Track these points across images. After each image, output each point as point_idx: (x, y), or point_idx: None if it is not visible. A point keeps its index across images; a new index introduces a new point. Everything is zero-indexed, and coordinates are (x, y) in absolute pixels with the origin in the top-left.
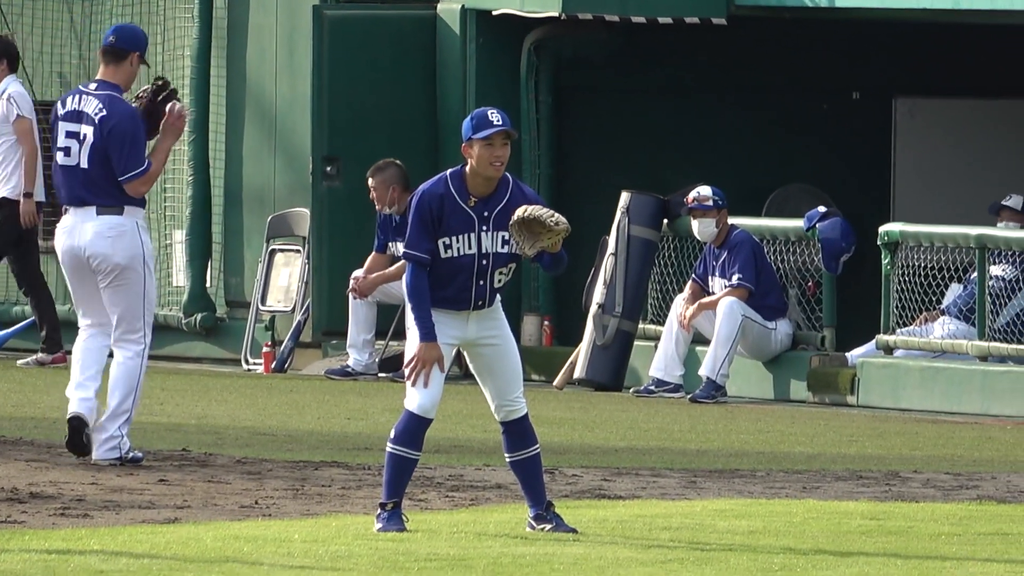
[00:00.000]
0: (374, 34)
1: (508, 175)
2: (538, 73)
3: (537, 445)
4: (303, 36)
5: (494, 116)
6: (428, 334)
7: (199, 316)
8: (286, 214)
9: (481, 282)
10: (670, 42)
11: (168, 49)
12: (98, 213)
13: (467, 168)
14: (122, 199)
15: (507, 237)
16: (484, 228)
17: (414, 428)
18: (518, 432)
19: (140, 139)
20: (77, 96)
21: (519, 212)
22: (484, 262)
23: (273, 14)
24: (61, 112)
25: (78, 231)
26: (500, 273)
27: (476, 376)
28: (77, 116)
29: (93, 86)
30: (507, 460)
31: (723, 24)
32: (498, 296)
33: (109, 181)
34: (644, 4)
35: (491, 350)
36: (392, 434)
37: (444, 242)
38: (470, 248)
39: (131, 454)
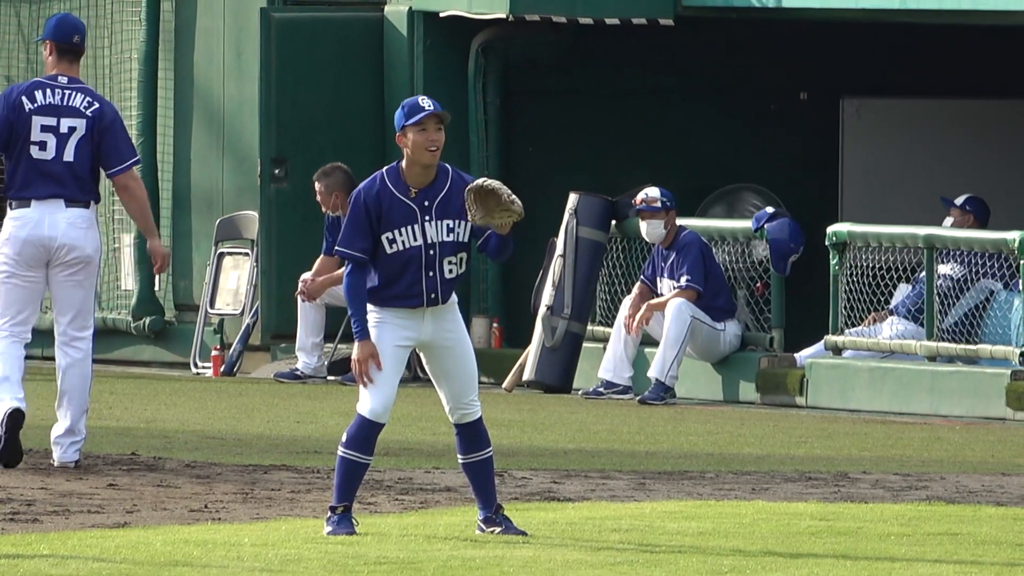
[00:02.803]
0: (322, 36)
1: (448, 165)
2: (486, 75)
3: (490, 448)
4: (250, 38)
5: (425, 102)
6: (362, 332)
7: (148, 320)
8: (234, 217)
9: (431, 273)
10: (618, 43)
11: (116, 52)
12: (67, 206)
13: (403, 161)
14: (93, 194)
15: (451, 226)
16: (427, 218)
17: (366, 432)
18: (471, 435)
19: (127, 134)
20: (50, 90)
21: (479, 181)
22: (431, 252)
23: (220, 17)
24: (33, 106)
25: (47, 222)
26: (449, 263)
27: (432, 378)
28: (55, 110)
29: (64, 80)
30: (459, 462)
31: (670, 25)
32: (454, 296)
33: (90, 175)
34: (591, 5)
35: (447, 352)
36: (344, 438)
37: (388, 236)
38: (415, 240)
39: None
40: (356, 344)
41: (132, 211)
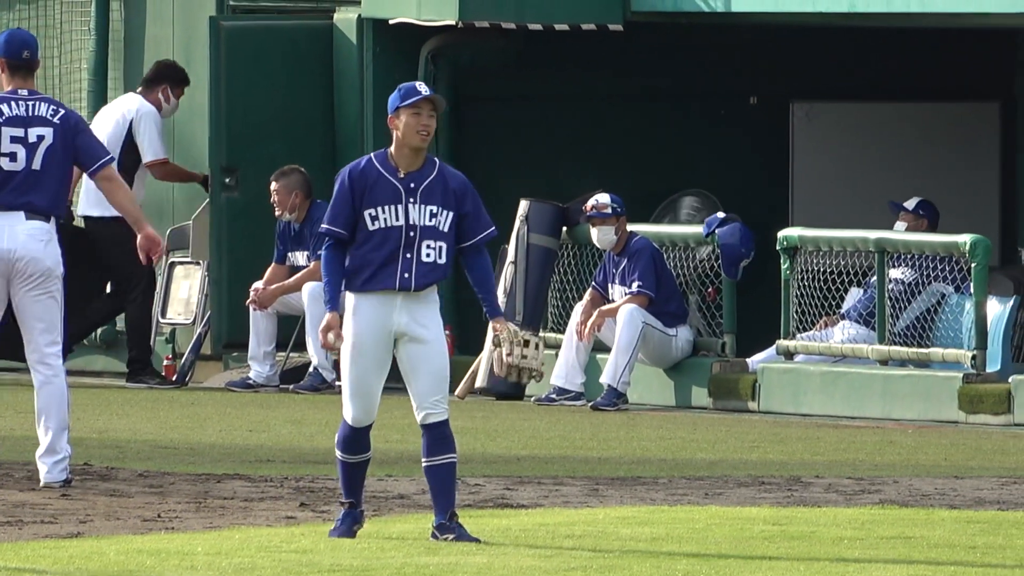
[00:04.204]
0: (271, 45)
1: (436, 158)
2: (436, 82)
3: (454, 455)
4: (200, 47)
5: (422, 87)
6: (332, 304)
7: (100, 330)
8: (185, 227)
9: (408, 255)
10: (567, 49)
11: (65, 62)
12: (26, 218)
13: (391, 147)
14: (57, 207)
15: (435, 211)
16: (412, 200)
17: (353, 435)
18: (436, 436)
19: (94, 134)
20: (14, 103)
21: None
22: (412, 234)
23: (169, 26)
24: (0, 119)
25: (6, 234)
26: (428, 246)
27: (402, 374)
28: (23, 121)
29: (25, 93)
30: (423, 465)
31: (620, 30)
32: (434, 295)
33: (57, 185)
34: (541, 11)
35: (419, 347)
36: (336, 440)
37: (371, 213)
38: (397, 219)
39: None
40: (327, 314)
41: (120, 201)
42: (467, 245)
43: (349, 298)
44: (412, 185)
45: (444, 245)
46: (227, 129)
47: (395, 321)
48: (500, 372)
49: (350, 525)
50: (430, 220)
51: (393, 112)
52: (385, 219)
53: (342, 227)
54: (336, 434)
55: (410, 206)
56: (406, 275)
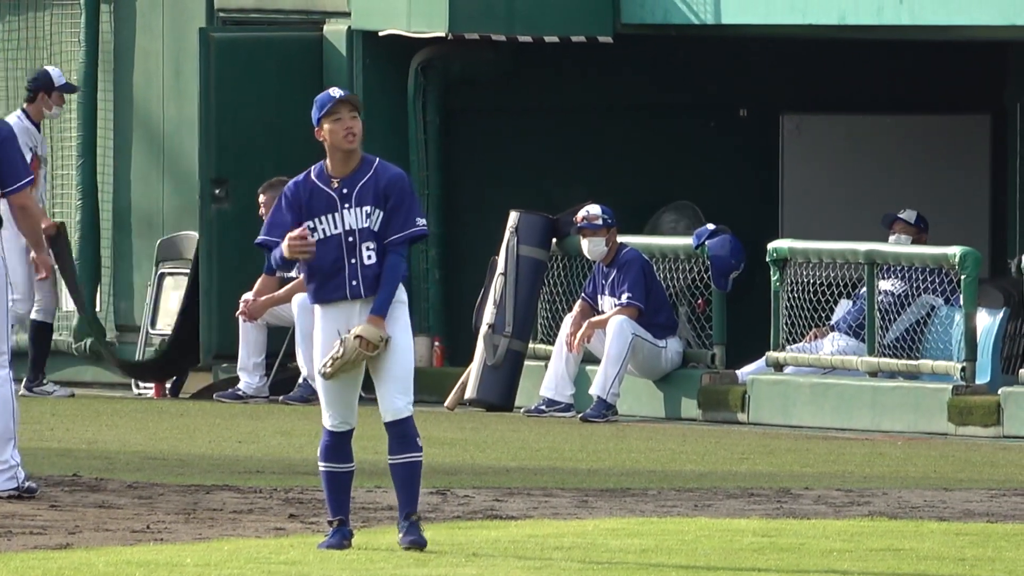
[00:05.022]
0: (261, 56)
1: (377, 158)
2: (425, 94)
3: (417, 454)
4: (189, 59)
5: (335, 91)
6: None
7: (89, 341)
8: (175, 237)
9: (352, 260)
10: (557, 61)
11: None
12: None
13: (327, 157)
14: None
15: (368, 211)
16: (346, 206)
17: (333, 442)
18: (397, 435)
19: (21, 151)
20: None
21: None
22: (351, 239)
23: (159, 38)
24: None
25: None
26: (367, 248)
27: (371, 375)
28: None
29: None
30: (388, 462)
31: (609, 42)
32: (399, 295)
33: None
34: (530, 23)
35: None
36: (319, 451)
37: (310, 225)
38: (335, 228)
39: (26, 484)
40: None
41: (26, 228)
42: (386, 242)
43: (316, 308)
44: (345, 191)
45: (376, 245)
46: (217, 140)
47: (354, 325)
48: (327, 368)
49: (339, 540)
50: (365, 221)
51: (317, 125)
52: (324, 229)
53: (278, 236)
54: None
55: (345, 212)
56: (354, 282)
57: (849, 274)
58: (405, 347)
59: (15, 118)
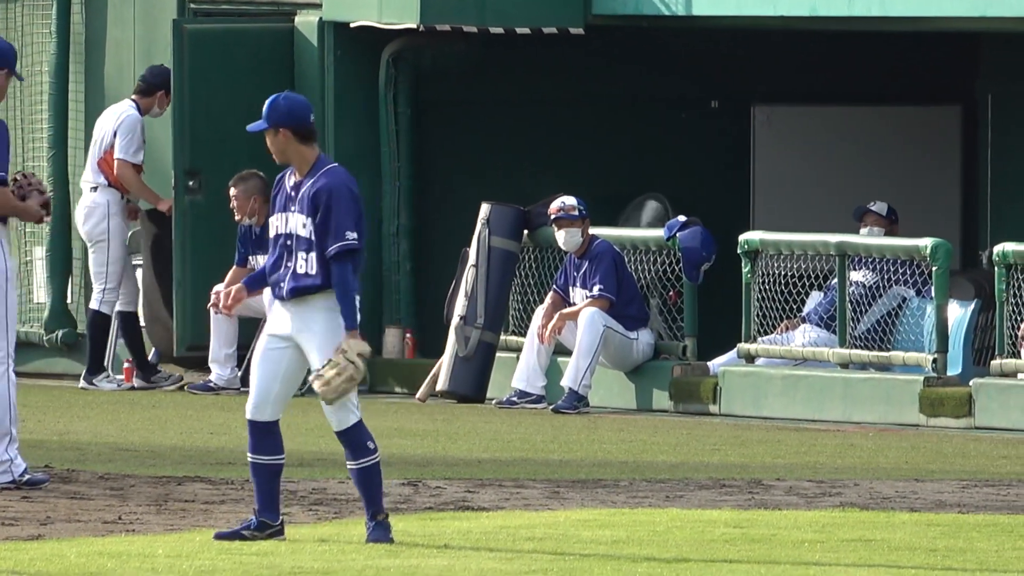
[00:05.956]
0: (233, 47)
1: (330, 163)
2: (397, 85)
3: (368, 458)
4: (160, 50)
5: (264, 110)
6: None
7: (60, 332)
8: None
9: (288, 263)
10: (528, 53)
11: (26, 65)
12: None
13: None
14: None
15: (304, 223)
16: (292, 208)
17: (252, 431)
18: (347, 443)
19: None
20: None
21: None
22: (289, 243)
23: (131, 29)
24: None
25: None
26: (301, 257)
27: None
28: None
29: None
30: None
31: (580, 34)
32: (325, 302)
33: None
34: (502, 14)
35: (309, 357)
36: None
37: (272, 219)
38: (283, 227)
39: (27, 476)
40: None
41: None
42: (325, 255)
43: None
44: (294, 193)
45: (315, 255)
46: (190, 132)
47: (291, 327)
48: (325, 389)
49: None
50: (301, 229)
51: None
52: (276, 226)
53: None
54: None
55: (290, 215)
56: (282, 285)
57: (820, 266)
58: (329, 357)
59: (129, 107)
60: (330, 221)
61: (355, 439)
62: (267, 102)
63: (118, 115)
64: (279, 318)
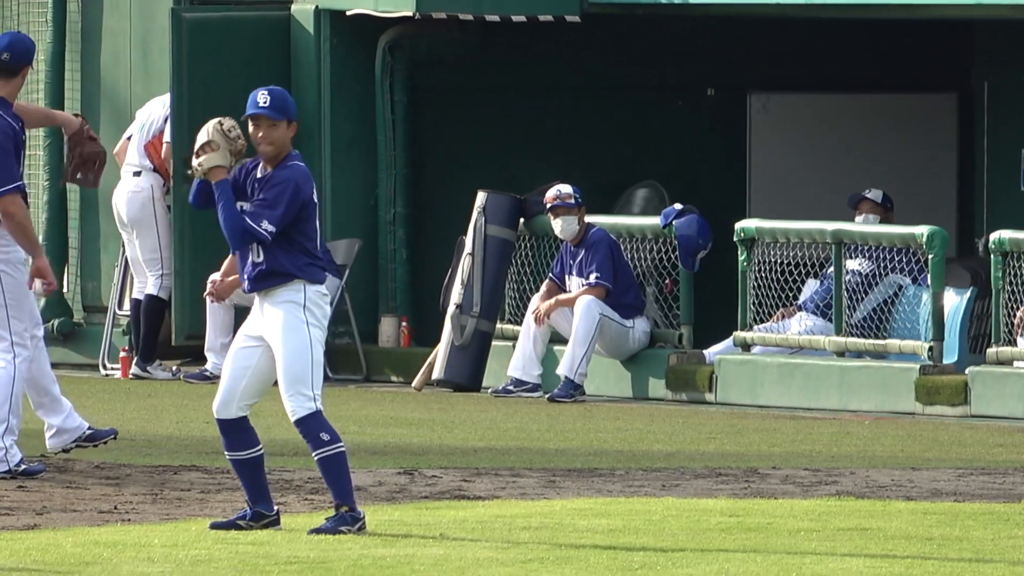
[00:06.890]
0: (231, 36)
1: (295, 161)
2: (393, 73)
3: (323, 449)
4: (157, 39)
5: (260, 97)
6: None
7: (56, 321)
8: None
9: (247, 255)
10: (525, 41)
11: None
12: None
13: None
14: None
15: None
16: (251, 198)
17: (222, 430)
18: (303, 434)
19: (8, 152)
20: None
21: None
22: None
23: (127, 17)
24: None
25: None
26: (258, 246)
27: None
28: None
29: None
30: None
31: (577, 22)
32: (289, 295)
33: None
34: (498, 2)
35: (274, 349)
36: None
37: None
38: None
39: (23, 467)
40: None
41: (12, 230)
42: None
43: None
44: (256, 186)
45: (261, 246)
46: (188, 120)
47: (260, 324)
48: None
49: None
50: None
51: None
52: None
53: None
54: None
55: (246, 205)
56: (245, 276)
57: (816, 254)
58: (294, 349)
59: (163, 105)
60: (262, 203)
61: (309, 431)
62: (268, 95)
63: (167, 102)
64: (253, 316)
